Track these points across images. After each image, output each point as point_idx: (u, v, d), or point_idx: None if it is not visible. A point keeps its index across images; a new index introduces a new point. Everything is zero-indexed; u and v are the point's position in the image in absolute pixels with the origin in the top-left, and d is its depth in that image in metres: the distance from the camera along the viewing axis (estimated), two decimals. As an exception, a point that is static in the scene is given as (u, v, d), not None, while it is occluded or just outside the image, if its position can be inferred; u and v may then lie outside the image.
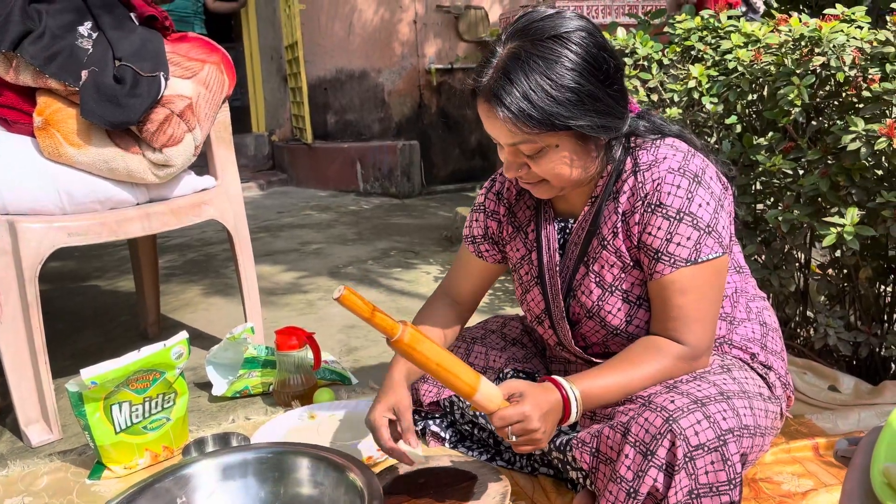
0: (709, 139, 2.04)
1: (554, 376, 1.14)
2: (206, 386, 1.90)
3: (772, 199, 1.88)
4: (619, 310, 1.23)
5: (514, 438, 1.09)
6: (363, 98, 6.08)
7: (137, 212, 1.79)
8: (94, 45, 1.73)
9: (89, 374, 1.38)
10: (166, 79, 1.74)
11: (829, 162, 1.63)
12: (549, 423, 1.10)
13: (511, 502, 1.29)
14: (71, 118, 1.69)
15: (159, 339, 2.27)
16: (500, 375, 1.46)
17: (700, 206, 1.14)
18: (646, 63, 2.28)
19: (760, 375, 1.24)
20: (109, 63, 1.72)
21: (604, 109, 1.12)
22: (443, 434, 1.52)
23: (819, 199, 1.66)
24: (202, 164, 2.02)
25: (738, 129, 1.92)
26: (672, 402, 1.06)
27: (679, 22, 2.25)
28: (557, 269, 1.28)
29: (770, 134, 1.76)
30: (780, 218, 1.65)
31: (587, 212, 1.24)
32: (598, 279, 1.23)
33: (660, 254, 1.15)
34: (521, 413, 1.08)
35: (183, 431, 1.57)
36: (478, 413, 1.41)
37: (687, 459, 1.02)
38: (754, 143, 1.78)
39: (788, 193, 1.72)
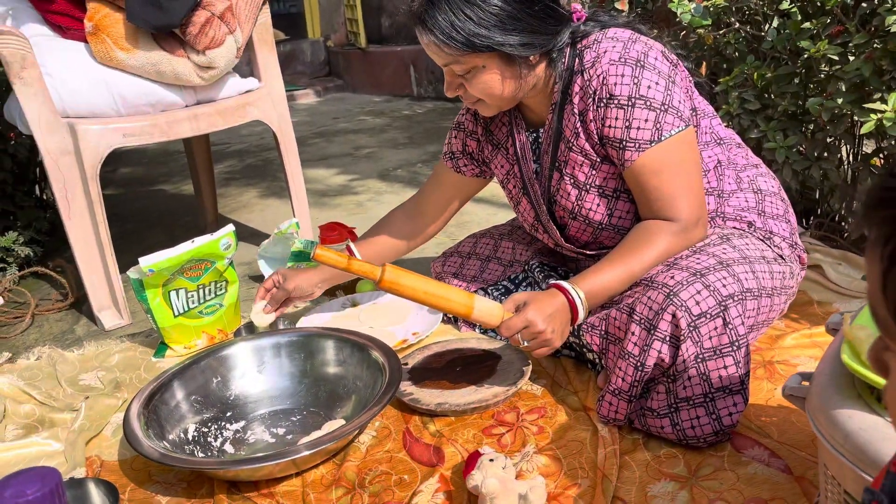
0: (759, 28, 1.96)
1: (558, 281, 1.21)
2: (260, 278, 2.04)
3: (818, 89, 1.81)
4: (598, 205, 1.28)
5: (525, 343, 1.17)
6: (417, -1, 5.96)
7: (186, 113, 1.88)
8: (136, -51, 1.78)
9: (147, 262, 1.51)
10: (205, -20, 1.78)
11: (876, 46, 1.56)
12: (556, 324, 1.17)
13: (531, 379, 1.37)
14: (119, 23, 1.77)
15: (216, 235, 2.41)
16: (527, 268, 1.52)
17: (649, 87, 1.17)
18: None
19: (762, 240, 1.26)
20: (150, -34, 1.76)
21: (527, 28, 1.16)
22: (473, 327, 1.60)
23: (863, 85, 1.60)
24: (248, 67, 2.08)
25: (794, 13, 1.83)
26: (672, 277, 1.10)
27: None
28: (535, 177, 1.35)
29: (817, 19, 1.68)
30: (821, 106, 1.60)
31: (551, 119, 1.29)
32: (572, 180, 1.28)
33: (623, 142, 1.19)
34: (524, 319, 1.16)
35: (235, 316, 1.71)
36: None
37: (691, 329, 1.06)
38: (801, 28, 1.71)
39: (833, 81, 1.66)
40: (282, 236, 1.94)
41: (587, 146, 1.25)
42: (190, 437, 1.25)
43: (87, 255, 1.79)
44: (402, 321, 1.68)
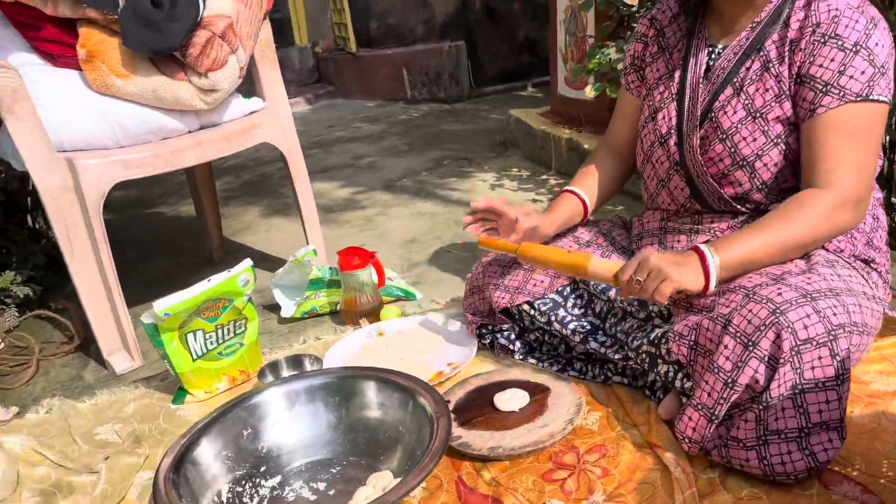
0: None
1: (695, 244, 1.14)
2: (275, 308, 1.93)
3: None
4: (754, 139, 1.19)
5: (641, 281, 1.09)
6: None
7: (190, 140, 1.77)
8: (129, -31, 1.67)
9: (161, 305, 1.41)
10: (204, -1, 1.68)
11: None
12: (675, 267, 1.08)
13: (587, 413, 1.28)
14: (114, 48, 1.66)
15: (224, 263, 2.32)
16: (578, 279, 1.41)
17: (877, 44, 1.10)
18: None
19: (862, 274, 1.17)
20: (146, -13, 1.66)
21: None
22: (511, 346, 1.51)
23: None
24: (249, 85, 1.97)
25: None
26: (780, 294, 1.01)
27: None
28: (701, 85, 1.25)
29: None
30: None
31: (744, 36, 1.22)
32: (746, 101, 1.19)
33: (829, 86, 1.11)
34: (636, 259, 1.11)
35: (257, 355, 1.61)
36: (552, 320, 1.39)
37: (794, 353, 0.97)
38: None
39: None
40: (298, 264, 1.84)
41: (785, 74, 1.16)
42: (224, 500, 1.15)
43: (93, 297, 1.68)
44: (435, 350, 1.59)
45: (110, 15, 1.63)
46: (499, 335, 1.52)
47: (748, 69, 1.20)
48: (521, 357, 1.49)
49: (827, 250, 1.18)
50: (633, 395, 1.31)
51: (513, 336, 1.51)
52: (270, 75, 1.95)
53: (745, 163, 1.20)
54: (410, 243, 2.40)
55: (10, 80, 1.54)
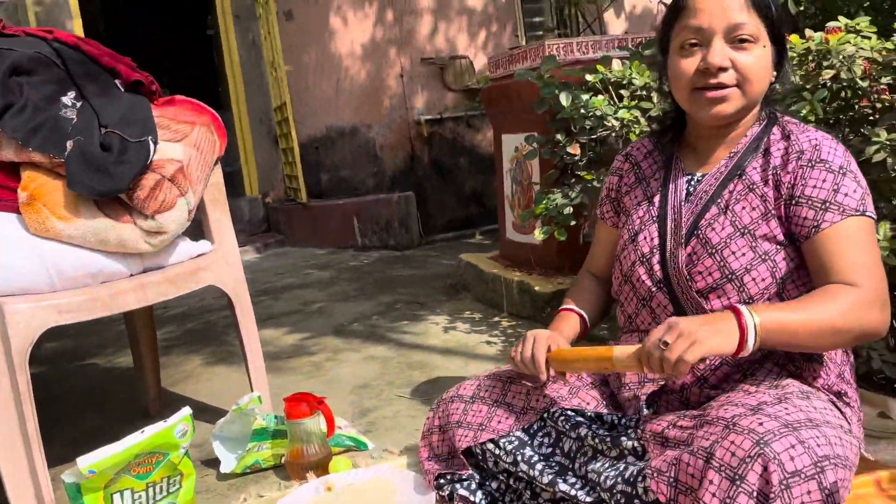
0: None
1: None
2: (214, 463, 1.79)
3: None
4: (742, 254, 1.20)
5: (668, 343, 1.05)
6: (355, 154, 6.07)
7: (132, 283, 1.70)
8: (79, 115, 1.67)
9: (86, 462, 1.28)
10: (155, 143, 1.68)
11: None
12: (706, 327, 1.05)
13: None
14: (57, 191, 1.62)
15: (161, 415, 2.16)
16: (546, 416, 1.33)
17: (856, 171, 1.18)
18: (644, 93, 2.23)
19: (838, 407, 1.14)
20: (95, 131, 1.66)
21: (783, 50, 1.25)
22: (472, 497, 1.40)
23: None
24: (197, 229, 1.94)
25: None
26: (761, 424, 0.96)
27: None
28: (684, 207, 1.28)
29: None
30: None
31: (723, 164, 1.27)
32: (733, 218, 1.22)
33: (828, 203, 1.15)
34: (665, 323, 1.08)
35: (191, 516, 1.46)
36: (518, 459, 1.30)
37: (783, 487, 0.91)
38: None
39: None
40: (241, 412, 1.72)
41: (770, 195, 1.21)
42: None
43: (10, 456, 1.52)
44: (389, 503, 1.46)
45: (56, 158, 1.60)
46: (458, 485, 1.42)
47: (731, 191, 1.25)
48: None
49: (802, 380, 1.16)
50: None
51: (473, 486, 1.41)
52: (219, 218, 1.92)
53: (734, 276, 1.20)
54: (361, 389, 2.30)
55: (-58, 222, 1.48)
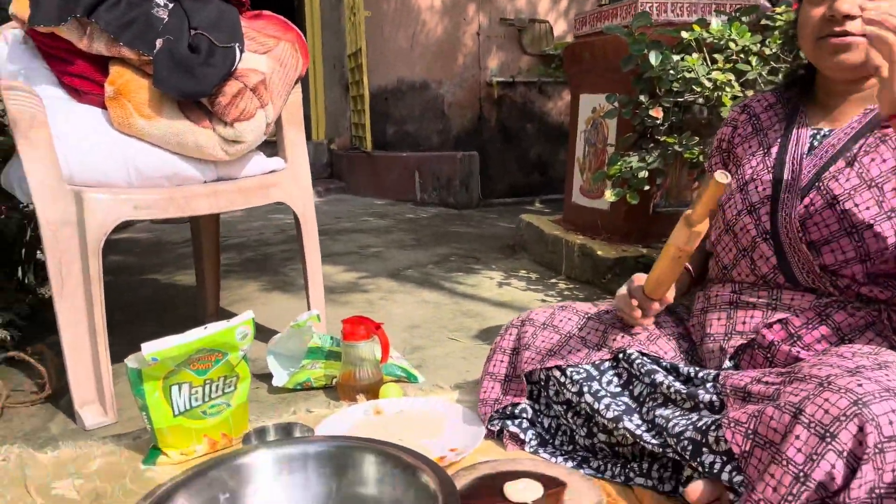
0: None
1: None
2: (266, 377, 1.81)
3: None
4: (867, 208, 1.14)
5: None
6: (423, 109, 6.03)
7: (205, 189, 1.71)
8: (170, 15, 1.67)
9: (150, 349, 1.30)
10: (241, 51, 1.67)
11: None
12: None
13: (607, 513, 1.14)
14: (143, 89, 1.63)
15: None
16: (621, 357, 1.31)
17: None
18: (742, 56, 2.13)
19: None
20: (185, 32, 1.65)
21: None
22: (522, 436, 1.38)
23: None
24: (271, 148, 1.94)
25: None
26: (860, 385, 0.91)
27: (780, 14, 2.10)
28: (804, 160, 1.22)
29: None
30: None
31: (857, 119, 1.21)
32: (860, 169, 1.16)
33: None
34: None
35: (243, 418, 1.47)
36: (584, 390, 1.28)
37: (877, 450, 0.86)
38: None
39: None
40: (298, 329, 1.73)
41: None
42: (189, 571, 0.99)
43: (75, 340, 1.56)
44: (438, 434, 1.45)
45: (145, 56, 1.61)
46: (509, 422, 1.40)
47: (861, 145, 1.18)
48: (531, 450, 1.36)
49: (893, 348, 1.10)
50: (660, 500, 1.18)
51: (524, 424, 1.39)
52: (294, 138, 1.92)
53: (854, 231, 1.14)
54: (413, 328, 2.29)
55: (32, 105, 1.51)
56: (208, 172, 1.74)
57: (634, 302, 1.29)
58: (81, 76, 1.67)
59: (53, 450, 1.43)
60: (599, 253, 2.77)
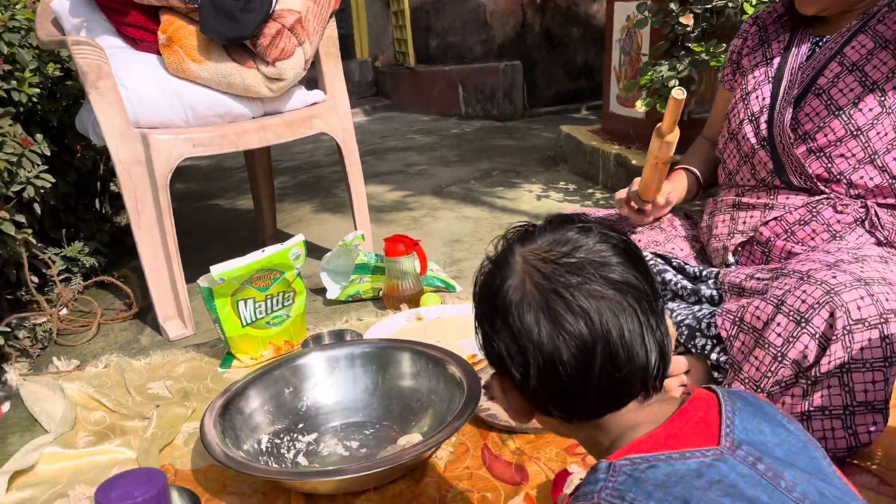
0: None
1: None
2: (321, 291, 2.02)
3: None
4: (870, 109, 1.23)
5: None
6: (465, 19, 5.98)
7: (254, 124, 1.88)
8: (210, -37, 1.80)
9: (218, 270, 1.51)
10: (277, -7, 1.80)
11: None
12: None
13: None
14: (192, 35, 1.78)
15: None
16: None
17: None
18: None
19: None
20: (224, -21, 1.78)
21: None
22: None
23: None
24: (312, 81, 2.08)
25: None
26: (834, 277, 1.04)
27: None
28: (801, 69, 1.31)
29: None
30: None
31: (851, 26, 1.28)
32: (860, 76, 1.25)
33: None
34: None
35: (302, 327, 1.69)
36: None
37: (845, 332, 1.00)
38: None
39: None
40: (346, 247, 1.92)
41: None
42: (263, 448, 1.23)
43: (154, 265, 1.80)
44: (471, 336, 1.64)
45: (190, 4, 1.76)
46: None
47: (854, 48, 1.25)
48: None
49: (880, 244, 1.21)
50: (661, 385, 1.34)
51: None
52: (333, 70, 2.05)
53: (857, 132, 1.24)
54: (454, 242, 2.47)
55: (97, 58, 1.68)
56: (256, 109, 1.91)
57: (633, 204, 1.44)
58: (137, 26, 1.83)
59: (145, 358, 1.69)
60: (634, 162, 2.85)
